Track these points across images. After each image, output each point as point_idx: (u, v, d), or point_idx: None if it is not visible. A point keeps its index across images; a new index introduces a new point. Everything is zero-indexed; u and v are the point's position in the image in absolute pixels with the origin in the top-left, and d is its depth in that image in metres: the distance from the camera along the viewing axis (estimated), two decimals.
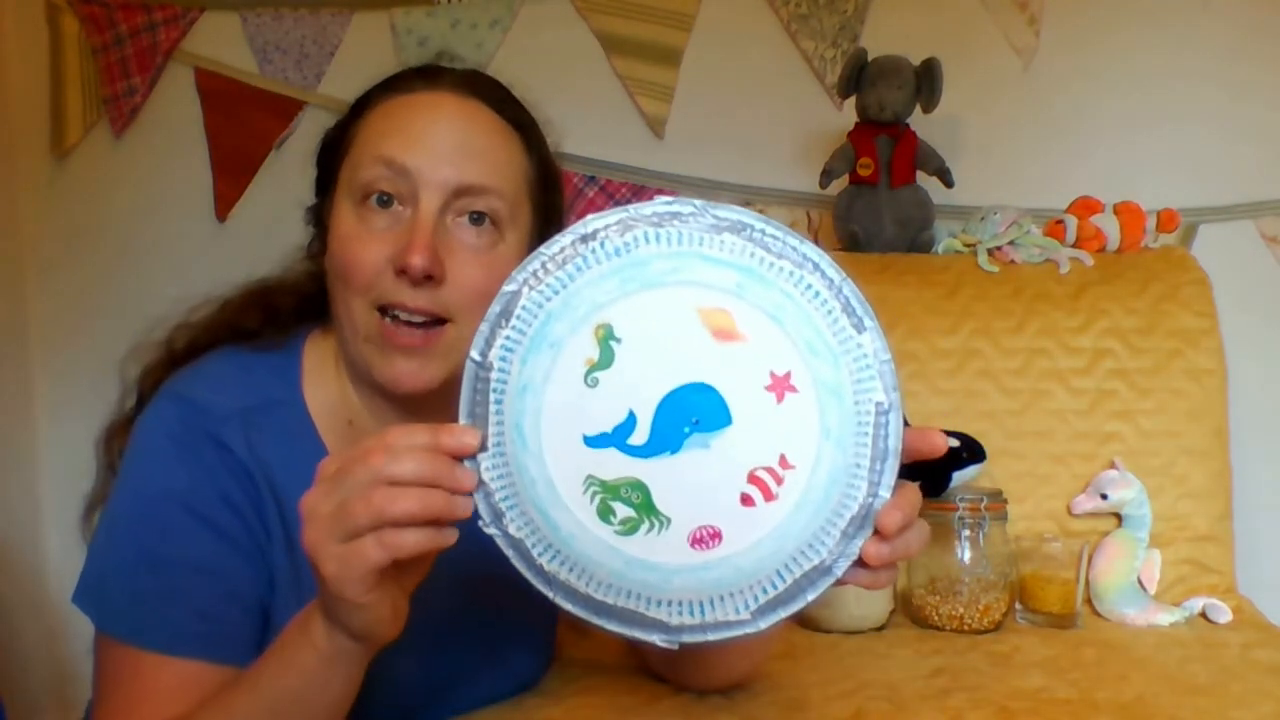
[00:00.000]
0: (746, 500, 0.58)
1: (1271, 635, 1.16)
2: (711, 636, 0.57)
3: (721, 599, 0.58)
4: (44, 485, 1.77)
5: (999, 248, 1.41)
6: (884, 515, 0.57)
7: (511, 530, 0.58)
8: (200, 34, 1.70)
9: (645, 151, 1.62)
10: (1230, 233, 1.52)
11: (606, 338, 0.59)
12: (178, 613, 0.74)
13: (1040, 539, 1.23)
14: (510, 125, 0.82)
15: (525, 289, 0.59)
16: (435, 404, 0.81)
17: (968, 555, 1.16)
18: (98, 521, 0.80)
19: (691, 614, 0.58)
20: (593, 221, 0.59)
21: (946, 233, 1.49)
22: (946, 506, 1.16)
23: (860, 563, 0.57)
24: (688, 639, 0.57)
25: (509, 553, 0.58)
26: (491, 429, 0.58)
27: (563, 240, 0.59)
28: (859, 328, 0.58)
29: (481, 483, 0.57)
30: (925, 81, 1.42)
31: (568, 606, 0.58)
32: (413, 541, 0.56)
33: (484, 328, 0.59)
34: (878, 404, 0.57)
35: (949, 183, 1.48)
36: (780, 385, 0.58)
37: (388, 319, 0.76)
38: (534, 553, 0.58)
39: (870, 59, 1.43)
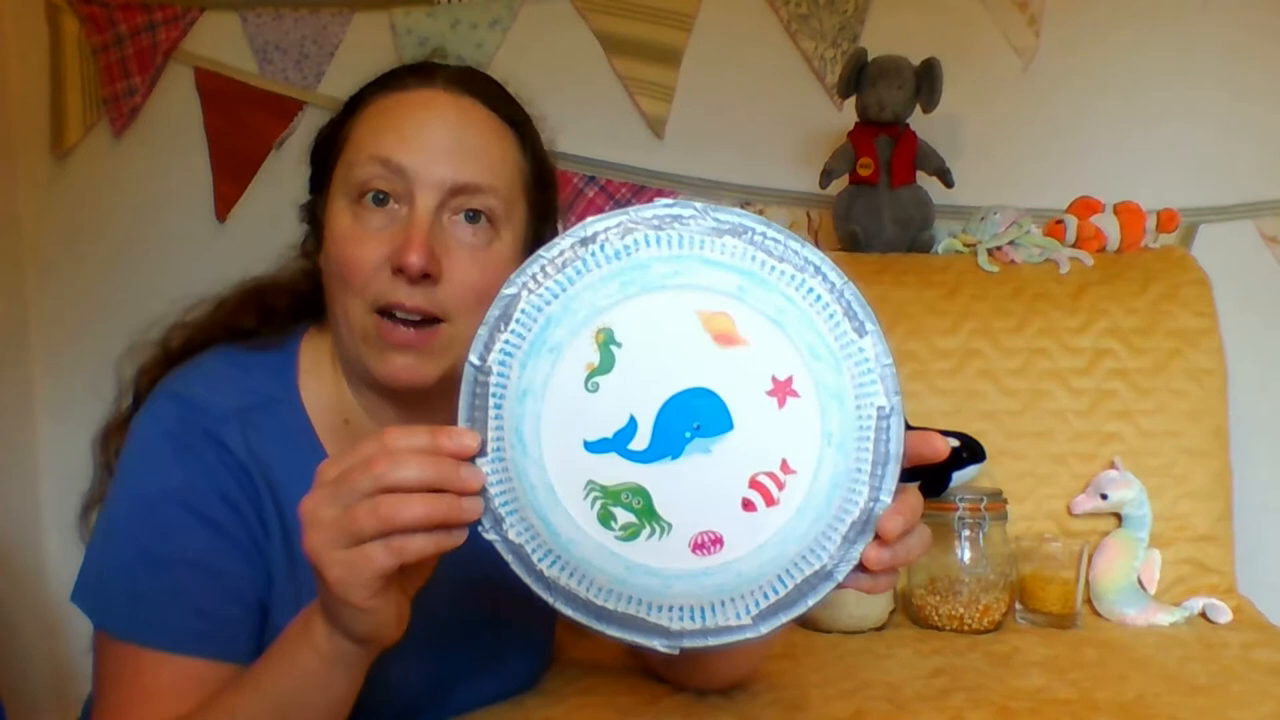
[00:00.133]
0: (748, 506, 0.58)
1: (1271, 635, 1.16)
2: (713, 641, 0.57)
3: (723, 604, 0.57)
4: (44, 485, 1.77)
5: (999, 248, 1.41)
6: (885, 521, 0.56)
7: (511, 535, 0.57)
8: (200, 34, 1.70)
9: (645, 151, 1.62)
10: (1230, 233, 1.52)
11: (607, 342, 0.58)
12: (177, 611, 0.74)
13: (1040, 539, 1.23)
14: (505, 123, 0.82)
15: (524, 292, 0.58)
16: (432, 402, 0.81)
17: (968, 555, 1.16)
18: (95, 521, 0.80)
19: (693, 619, 0.57)
20: (593, 224, 0.58)
21: (946, 233, 1.49)
22: (946, 506, 1.16)
23: (861, 567, 0.57)
24: (689, 644, 0.57)
25: (509, 558, 0.57)
26: (491, 433, 0.58)
27: (562, 243, 0.58)
28: (860, 331, 0.58)
29: (482, 487, 0.57)
30: (925, 81, 1.42)
31: (568, 612, 0.58)
32: (420, 545, 0.56)
33: (483, 331, 0.58)
34: (879, 408, 0.57)
35: (949, 183, 1.48)
36: (782, 390, 0.58)
37: (384, 318, 0.76)
38: (534, 558, 0.57)
39: (870, 59, 1.43)
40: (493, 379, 0.58)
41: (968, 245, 1.43)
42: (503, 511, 0.57)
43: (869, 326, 0.58)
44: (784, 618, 0.57)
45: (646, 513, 0.58)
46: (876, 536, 0.57)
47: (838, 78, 1.48)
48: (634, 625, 0.57)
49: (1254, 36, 1.51)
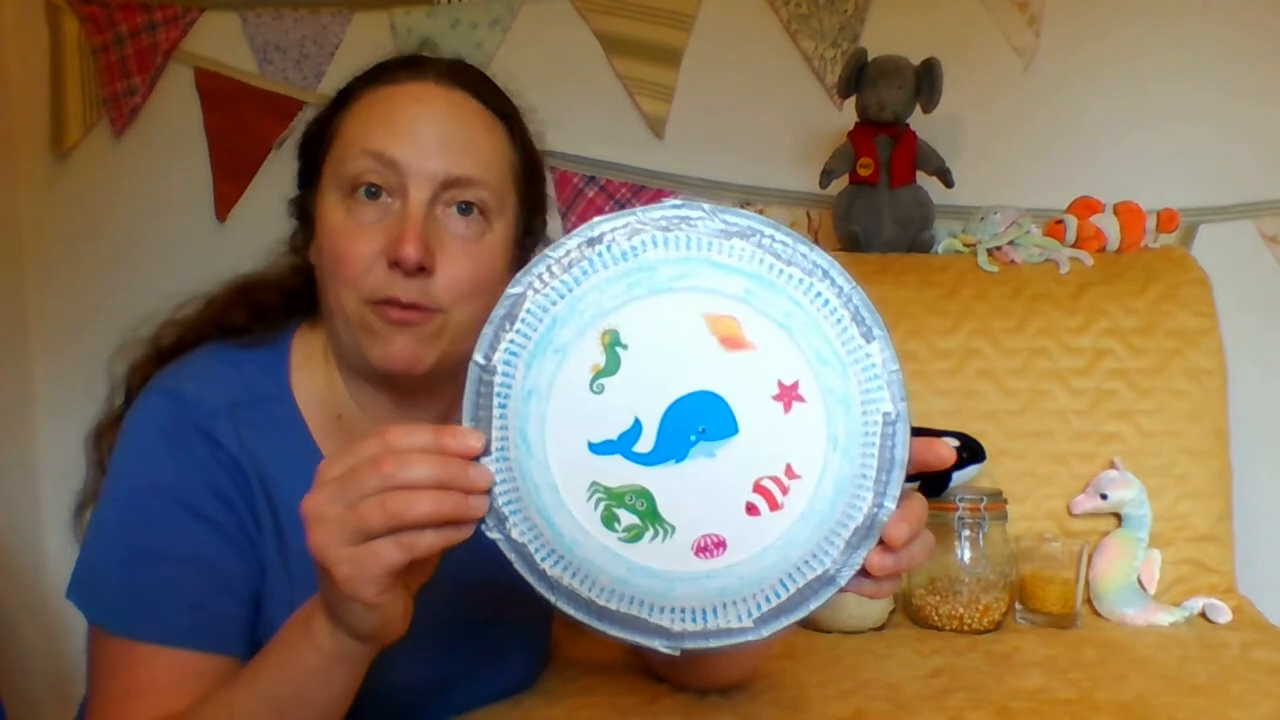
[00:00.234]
0: (752, 510, 0.58)
1: (1271, 635, 1.16)
2: (714, 643, 0.57)
3: (724, 606, 0.57)
4: (44, 485, 1.77)
5: (999, 248, 1.41)
6: (891, 527, 0.56)
7: (515, 535, 0.57)
8: (200, 34, 1.70)
9: (645, 151, 1.62)
10: (1230, 233, 1.52)
11: (613, 344, 0.58)
12: (170, 604, 0.74)
13: (1040, 539, 1.23)
14: (494, 115, 0.82)
15: (530, 292, 0.58)
16: (425, 395, 0.83)
17: (967, 555, 1.16)
18: (89, 518, 0.80)
19: (694, 621, 0.57)
20: (600, 224, 0.58)
21: (946, 233, 1.49)
22: (946, 506, 1.16)
23: (864, 572, 0.57)
24: (690, 645, 0.57)
25: (512, 557, 0.57)
26: (495, 433, 0.57)
27: (569, 243, 0.58)
28: (868, 337, 0.57)
29: (489, 486, 0.57)
30: (925, 81, 1.42)
31: (570, 611, 0.57)
32: (429, 541, 0.56)
33: (488, 330, 0.58)
34: (885, 414, 0.57)
35: (949, 183, 1.48)
36: (788, 394, 0.58)
37: (380, 306, 0.77)
38: (537, 558, 0.57)
39: (870, 59, 1.43)
40: (498, 379, 0.58)
41: (968, 245, 1.43)
42: (506, 511, 0.57)
43: (876, 332, 0.57)
44: (785, 621, 0.57)
45: (650, 515, 0.58)
46: (881, 542, 0.56)
47: (838, 78, 1.48)
48: (636, 626, 0.57)
49: (1254, 36, 1.51)
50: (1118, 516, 1.27)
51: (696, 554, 0.58)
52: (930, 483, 1.18)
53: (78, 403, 0.91)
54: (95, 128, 1.75)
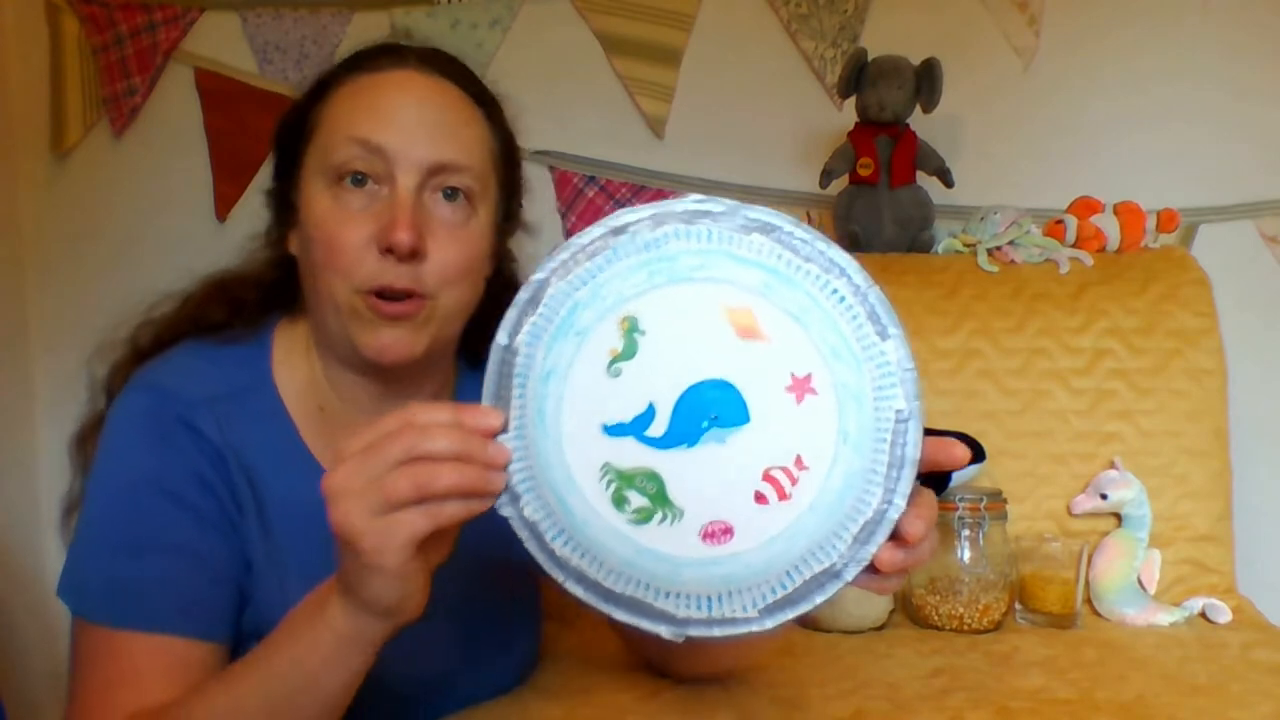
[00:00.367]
0: (760, 498, 0.58)
1: (1271, 635, 1.16)
2: (718, 632, 0.58)
3: (730, 595, 0.58)
4: (44, 485, 1.77)
5: (999, 248, 1.41)
6: (907, 524, 0.57)
7: (527, 513, 0.58)
8: (200, 34, 1.70)
9: (645, 151, 1.62)
10: (1230, 233, 1.52)
11: (631, 329, 0.59)
12: (154, 591, 0.74)
13: (1040, 539, 1.23)
14: (474, 101, 0.82)
15: (554, 278, 0.59)
16: (409, 383, 0.84)
17: (968, 555, 1.16)
18: (76, 518, 0.80)
19: (699, 608, 0.58)
20: (625, 215, 0.59)
21: (946, 233, 1.49)
22: (946, 506, 1.16)
23: (871, 568, 0.57)
24: (694, 633, 0.58)
25: (523, 535, 0.58)
26: (513, 412, 0.59)
27: (595, 231, 0.59)
28: (883, 335, 0.58)
29: (507, 462, 0.59)
30: (925, 81, 1.42)
31: (578, 592, 0.58)
32: (453, 511, 0.57)
33: (511, 313, 0.59)
34: (898, 411, 0.58)
35: (949, 183, 1.48)
36: (800, 387, 0.58)
37: (373, 297, 0.77)
38: (547, 536, 0.58)
39: (870, 59, 1.43)
40: (518, 359, 0.59)
41: (968, 245, 1.43)
42: (520, 489, 0.58)
43: (891, 330, 0.58)
44: (790, 613, 0.57)
45: (659, 498, 0.58)
46: (893, 538, 0.57)
47: (838, 78, 1.48)
48: (641, 610, 0.58)
49: (1254, 36, 1.51)
50: (1118, 516, 1.27)
51: (704, 540, 0.58)
52: (930, 482, 1.18)
53: (78, 403, 0.91)
54: (95, 128, 1.75)
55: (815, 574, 0.57)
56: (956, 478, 1.22)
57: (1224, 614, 1.20)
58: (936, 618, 1.17)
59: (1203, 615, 1.22)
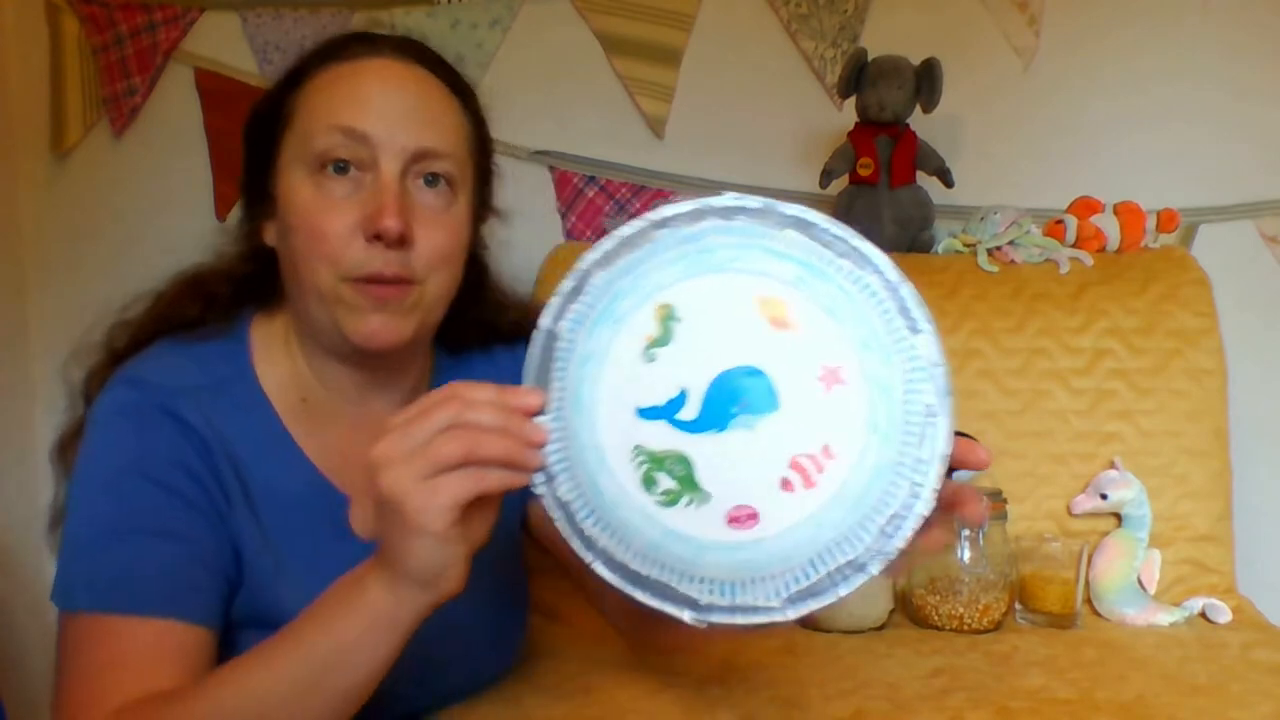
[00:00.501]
0: (786, 485, 0.59)
1: (1271, 635, 1.16)
2: (740, 620, 0.59)
3: (753, 582, 0.59)
4: (43, 485, 1.77)
5: (999, 248, 1.41)
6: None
7: (560, 493, 0.60)
8: (200, 34, 1.70)
9: (645, 151, 1.62)
10: (1230, 233, 1.52)
11: (668, 317, 0.61)
12: (141, 574, 0.73)
13: (1040, 539, 1.23)
14: (450, 89, 0.83)
15: (597, 268, 0.61)
16: (393, 371, 0.85)
17: (968, 555, 1.16)
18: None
19: (722, 594, 0.59)
20: (666, 209, 0.61)
21: (946, 233, 1.49)
22: None
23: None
24: (716, 619, 0.59)
25: (555, 514, 0.60)
26: (552, 395, 0.61)
27: (637, 224, 0.61)
28: (914, 329, 0.60)
29: (545, 441, 0.61)
30: (925, 81, 1.42)
31: (604, 572, 0.60)
32: (497, 478, 0.58)
33: (556, 300, 0.61)
34: (928, 406, 0.58)
35: (949, 183, 1.48)
36: (830, 377, 0.59)
37: (360, 283, 0.77)
38: (578, 516, 0.60)
39: (870, 59, 1.43)
40: (560, 344, 0.61)
41: (968, 245, 1.43)
42: (555, 469, 0.60)
43: (923, 325, 0.60)
44: (813, 604, 0.58)
45: (687, 481, 0.60)
46: (926, 525, 0.58)
47: (838, 78, 1.48)
48: (665, 594, 0.59)
49: (1254, 36, 1.51)
50: (1118, 516, 1.27)
51: (729, 524, 0.60)
52: None
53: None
54: (95, 128, 1.75)
55: (839, 565, 0.58)
56: (956, 478, 1.21)
57: (1224, 614, 1.21)
58: (936, 618, 1.17)
59: (1203, 615, 1.22)
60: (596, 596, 0.98)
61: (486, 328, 0.94)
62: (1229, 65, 1.51)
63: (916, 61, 1.42)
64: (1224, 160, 1.52)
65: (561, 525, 0.60)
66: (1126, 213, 1.41)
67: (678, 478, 0.60)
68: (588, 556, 0.60)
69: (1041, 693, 0.95)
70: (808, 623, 1.16)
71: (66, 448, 0.84)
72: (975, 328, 1.34)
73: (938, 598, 1.17)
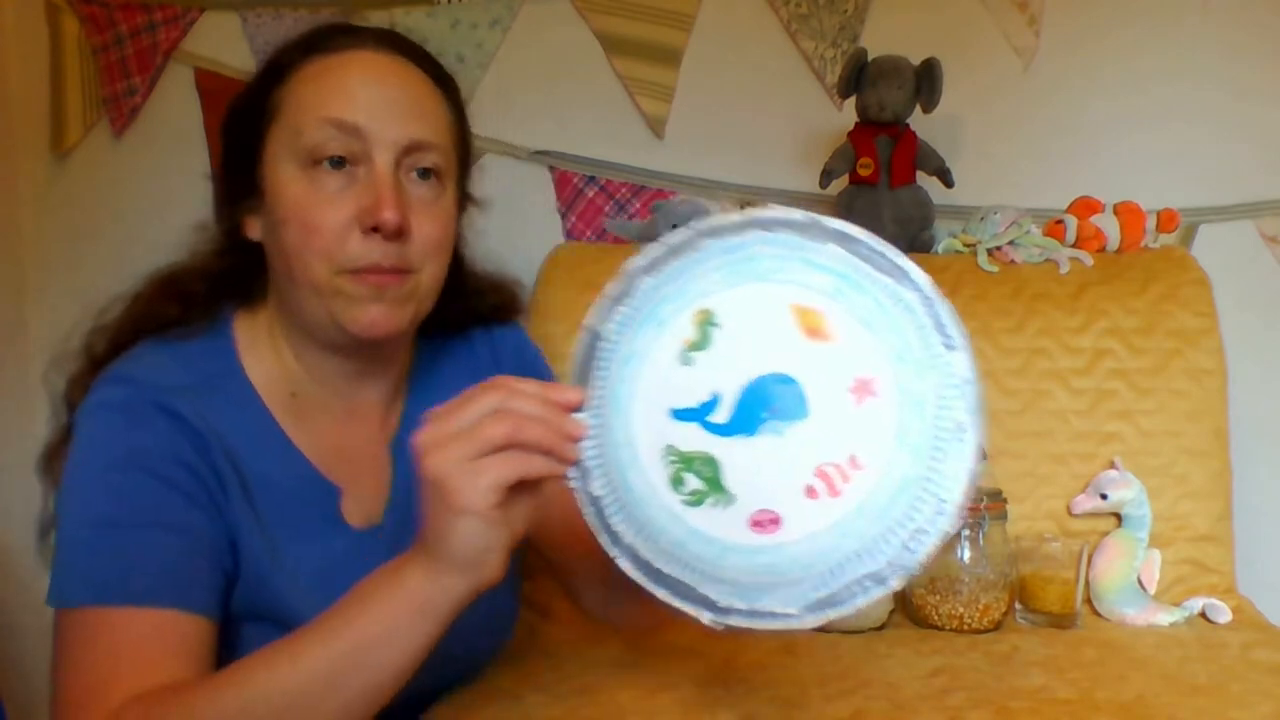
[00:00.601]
0: (810, 492, 0.60)
1: (1271, 635, 1.16)
2: (757, 624, 0.60)
3: (773, 587, 0.59)
4: (44, 485, 1.77)
5: (999, 248, 1.41)
6: None
7: (593, 488, 0.62)
8: (200, 34, 1.70)
9: (645, 151, 1.62)
10: (1230, 233, 1.52)
11: (707, 322, 0.63)
12: (141, 564, 0.71)
13: (1040, 539, 1.23)
14: (434, 81, 0.83)
15: (644, 273, 0.63)
16: (382, 362, 0.86)
17: (967, 555, 1.16)
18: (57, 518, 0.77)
19: (741, 598, 0.60)
20: (715, 219, 0.64)
21: (946, 233, 1.49)
22: None
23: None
24: (734, 623, 0.60)
25: (587, 509, 0.62)
26: (592, 393, 0.63)
27: (685, 233, 0.63)
28: (949, 346, 0.60)
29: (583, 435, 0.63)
30: (925, 81, 1.42)
31: (628, 568, 0.61)
32: (539, 465, 0.61)
33: (604, 303, 0.64)
34: (958, 423, 0.59)
35: (949, 183, 1.48)
36: (862, 388, 0.60)
37: (358, 274, 0.77)
38: (608, 512, 0.62)
39: (870, 59, 1.43)
40: (603, 344, 0.64)
41: (968, 245, 1.43)
42: (590, 464, 0.62)
43: (958, 342, 0.60)
44: (830, 613, 0.59)
45: (713, 482, 0.61)
46: None
47: (838, 78, 1.48)
48: (685, 593, 0.61)
49: (1254, 36, 1.51)
50: (1118, 516, 1.27)
51: (751, 527, 0.61)
52: None
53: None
54: (95, 128, 1.75)
55: (859, 576, 0.59)
56: None
57: (1224, 614, 1.20)
58: (936, 618, 1.17)
59: (1203, 615, 1.22)
60: (575, 591, 1.00)
61: (468, 313, 0.95)
62: (1229, 65, 1.51)
63: (916, 61, 1.42)
64: (1224, 160, 1.52)
65: (591, 519, 0.62)
66: (1126, 213, 1.41)
67: (705, 479, 0.61)
68: (613, 551, 0.61)
69: (1041, 693, 0.95)
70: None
71: (53, 458, 0.83)
72: (975, 328, 1.34)
73: (938, 598, 1.17)
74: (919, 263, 1.49)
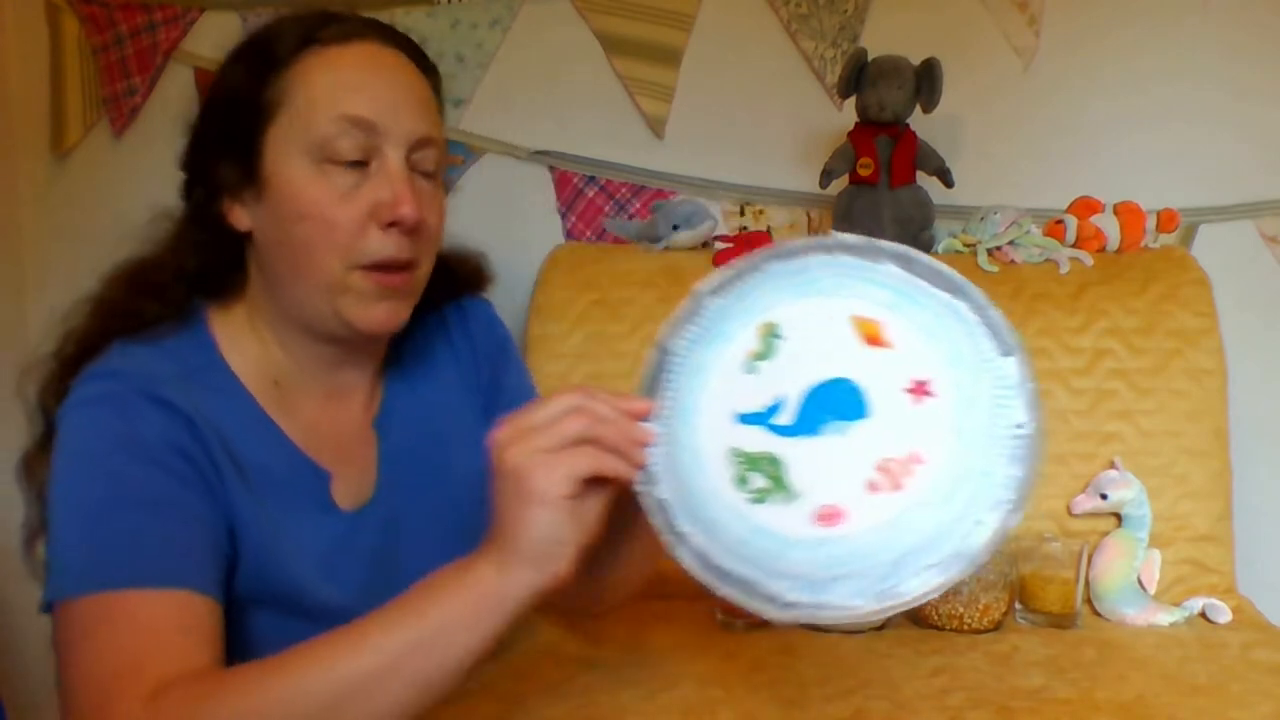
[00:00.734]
0: (873, 486, 0.62)
1: (1271, 635, 1.16)
2: (822, 616, 0.62)
3: (835, 580, 0.61)
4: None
5: (999, 248, 1.41)
6: None
7: (660, 493, 0.64)
8: (200, 34, 1.70)
9: (645, 151, 1.62)
10: (1230, 233, 1.52)
11: (770, 334, 0.67)
12: (145, 545, 0.69)
13: (1040, 539, 1.23)
14: (424, 72, 0.84)
15: (713, 295, 0.68)
16: (365, 349, 0.87)
17: None
18: (48, 516, 0.74)
19: (806, 592, 0.62)
20: (784, 245, 0.68)
21: (946, 233, 1.49)
22: None
23: None
24: (800, 616, 0.62)
25: (653, 514, 0.65)
26: (660, 404, 0.66)
27: (751, 258, 0.68)
28: (1005, 351, 0.63)
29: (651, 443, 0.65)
30: (925, 81, 1.42)
31: (694, 569, 0.63)
32: (612, 464, 0.63)
33: (674, 322, 0.68)
34: (1017, 424, 0.61)
35: (949, 183, 1.48)
36: (919, 389, 0.63)
37: (372, 270, 0.78)
38: (674, 516, 0.64)
39: (870, 59, 1.43)
40: (673, 359, 0.67)
41: (968, 245, 1.43)
42: (657, 470, 0.65)
43: (1014, 348, 0.63)
44: (892, 604, 0.61)
45: (778, 480, 0.64)
46: None
47: (838, 78, 1.48)
48: (749, 590, 0.62)
49: (1254, 36, 1.51)
50: (1118, 516, 1.27)
51: (815, 521, 0.63)
52: None
53: None
54: (95, 128, 1.75)
55: (921, 568, 0.60)
56: None
57: (1224, 614, 1.21)
58: (936, 618, 1.17)
59: (1203, 615, 1.22)
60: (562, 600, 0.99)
61: (441, 288, 0.91)
62: (1229, 65, 1.51)
63: (916, 61, 1.42)
64: (1224, 160, 1.52)
65: (658, 523, 0.64)
66: (1126, 213, 1.41)
67: (770, 477, 0.64)
68: (678, 553, 0.63)
69: (1041, 693, 0.96)
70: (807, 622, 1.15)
71: (33, 464, 0.80)
72: None
73: (938, 597, 1.16)
74: None
